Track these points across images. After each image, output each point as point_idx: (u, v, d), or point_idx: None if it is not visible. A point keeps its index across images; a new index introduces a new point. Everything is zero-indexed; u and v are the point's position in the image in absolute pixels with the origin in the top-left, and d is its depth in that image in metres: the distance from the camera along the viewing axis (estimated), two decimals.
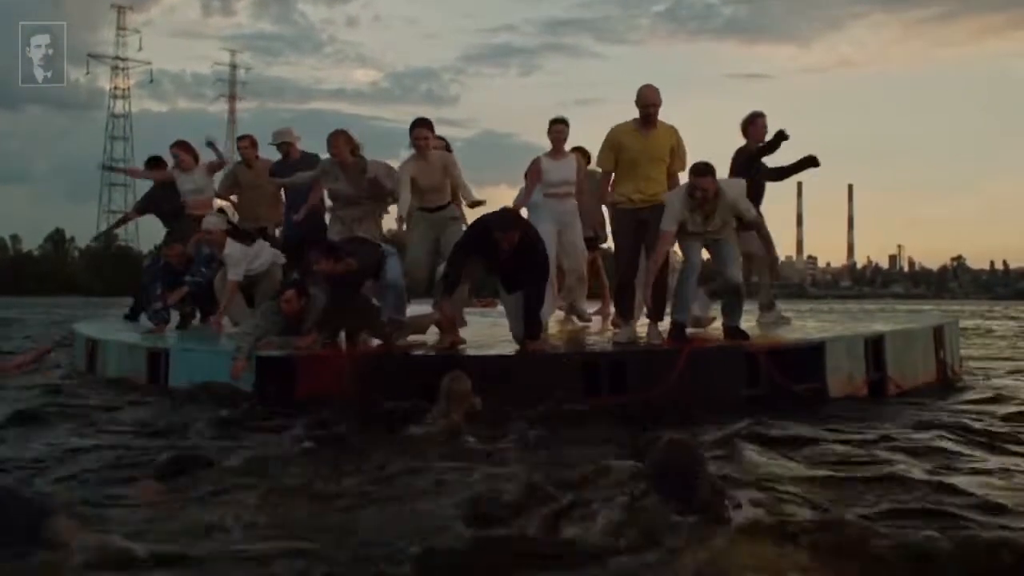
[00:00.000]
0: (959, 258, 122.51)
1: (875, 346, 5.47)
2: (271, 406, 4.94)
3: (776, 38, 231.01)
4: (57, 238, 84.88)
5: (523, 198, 6.33)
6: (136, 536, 2.47)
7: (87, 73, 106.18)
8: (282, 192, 7.52)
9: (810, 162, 6.38)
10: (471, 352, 5.32)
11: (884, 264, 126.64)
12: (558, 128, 6.39)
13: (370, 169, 6.26)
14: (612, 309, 6.47)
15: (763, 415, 4.40)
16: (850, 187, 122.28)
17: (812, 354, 5.22)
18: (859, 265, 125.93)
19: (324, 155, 6.50)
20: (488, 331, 6.55)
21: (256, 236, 7.02)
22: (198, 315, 7.67)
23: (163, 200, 7.86)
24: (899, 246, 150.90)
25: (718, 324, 5.79)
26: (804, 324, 6.89)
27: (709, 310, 6.21)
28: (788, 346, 5.31)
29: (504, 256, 5.04)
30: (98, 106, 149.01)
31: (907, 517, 2.66)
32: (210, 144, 7.60)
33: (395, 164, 6.30)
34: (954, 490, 3.01)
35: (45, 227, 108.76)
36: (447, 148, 6.44)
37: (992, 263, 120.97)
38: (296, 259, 6.74)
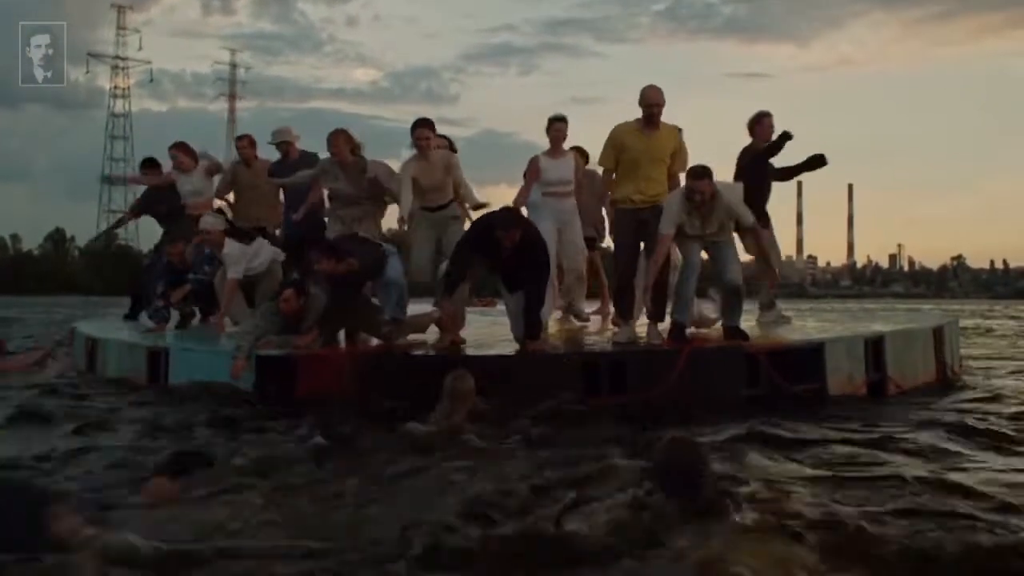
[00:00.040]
0: (959, 257, 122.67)
1: (875, 346, 5.47)
2: (271, 405, 4.95)
3: (776, 37, 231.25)
4: (57, 237, 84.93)
5: (521, 197, 6.33)
6: (139, 534, 2.47)
7: (87, 72, 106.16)
8: (281, 193, 7.51)
9: (818, 161, 6.41)
10: (471, 352, 5.32)
11: (884, 263, 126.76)
12: (558, 127, 6.38)
13: (370, 169, 6.26)
14: (612, 308, 6.48)
15: (763, 415, 4.40)
16: (850, 186, 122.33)
17: (812, 355, 5.22)
18: (859, 264, 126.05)
19: (324, 154, 6.50)
20: (488, 330, 6.55)
21: (255, 234, 7.01)
22: (198, 315, 7.67)
23: (160, 201, 7.85)
24: (899, 245, 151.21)
25: (718, 325, 5.79)
26: (804, 324, 6.89)
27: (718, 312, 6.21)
28: (788, 347, 5.31)
29: (506, 255, 5.05)
30: (98, 105, 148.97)
31: (908, 516, 2.66)
32: (204, 155, 7.64)
33: (395, 164, 6.31)
34: (954, 490, 3.01)
35: (45, 226, 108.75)
36: (451, 147, 6.45)
37: (992, 262, 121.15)
38: (296, 258, 6.74)
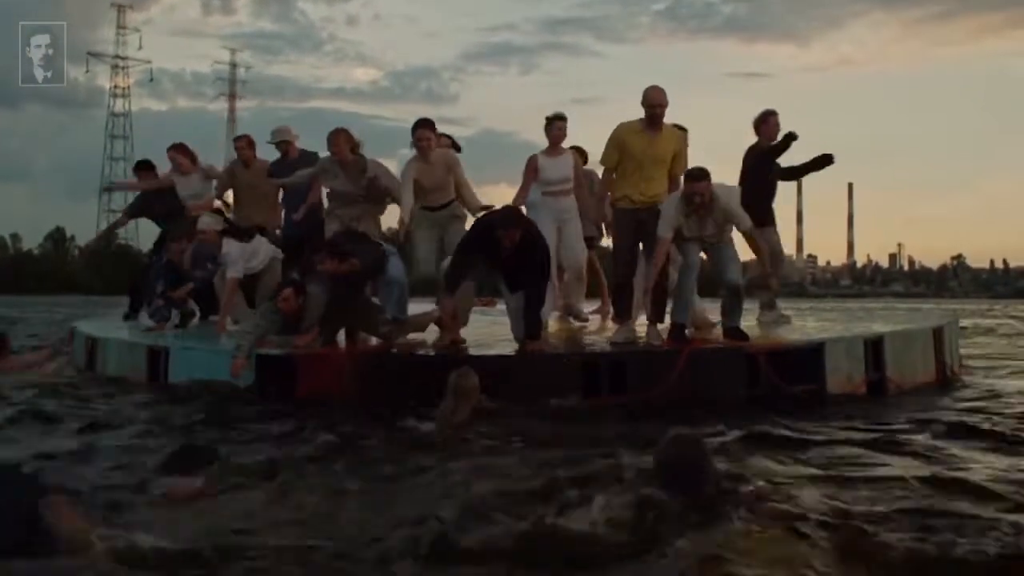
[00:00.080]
0: (959, 257, 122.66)
1: (874, 347, 5.47)
2: (272, 404, 4.95)
3: (776, 37, 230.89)
4: (57, 236, 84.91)
5: (520, 196, 6.33)
6: (139, 533, 2.47)
7: (87, 72, 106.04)
8: (280, 193, 7.49)
9: (826, 160, 6.44)
10: (471, 351, 5.32)
11: (884, 263, 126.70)
12: (559, 125, 6.35)
13: (370, 168, 6.26)
14: (611, 308, 6.48)
15: (763, 416, 4.41)
16: (850, 185, 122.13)
17: (811, 355, 5.22)
18: (859, 264, 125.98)
19: (324, 154, 6.50)
20: (488, 330, 6.55)
21: (253, 232, 6.98)
22: (198, 314, 7.67)
23: (155, 202, 7.82)
24: (899, 245, 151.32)
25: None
26: (804, 324, 6.90)
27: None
28: (788, 347, 5.31)
29: (506, 254, 5.06)
30: (98, 104, 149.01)
31: (908, 515, 2.67)
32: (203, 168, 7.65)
33: (395, 163, 6.32)
34: (954, 489, 3.02)
35: (45, 225, 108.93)
36: (454, 145, 6.45)
37: (992, 262, 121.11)
38: (295, 258, 6.73)
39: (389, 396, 4.86)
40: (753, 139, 6.56)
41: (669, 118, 5.70)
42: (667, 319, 5.52)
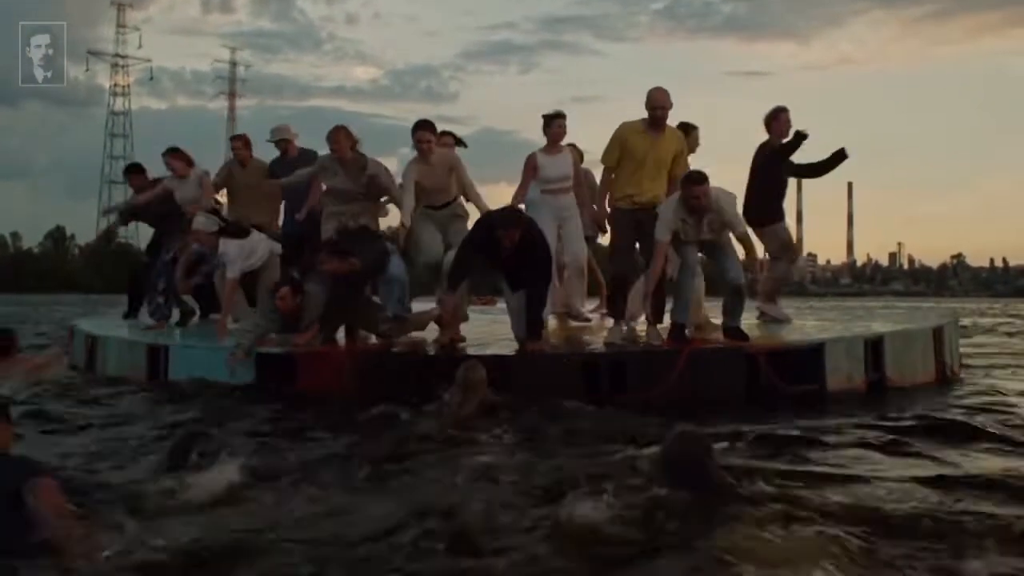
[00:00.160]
0: (959, 255, 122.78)
1: (874, 347, 5.47)
2: (272, 402, 4.95)
3: (775, 35, 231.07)
4: (57, 235, 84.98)
5: (519, 194, 6.32)
6: (140, 533, 2.47)
7: (87, 70, 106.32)
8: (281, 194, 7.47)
9: (842, 156, 6.48)
10: (471, 351, 5.32)
11: (884, 262, 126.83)
12: (559, 123, 6.32)
13: (370, 167, 6.24)
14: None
15: (763, 415, 4.41)
16: (850, 185, 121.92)
17: (811, 355, 5.22)
18: (859, 263, 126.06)
19: (323, 152, 6.48)
20: (488, 329, 6.55)
21: (249, 228, 6.95)
22: (198, 312, 7.66)
23: (149, 206, 7.80)
24: (899, 243, 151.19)
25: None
26: (804, 324, 6.90)
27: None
28: (788, 347, 5.31)
29: (506, 254, 5.06)
30: (98, 103, 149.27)
31: (909, 515, 2.67)
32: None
33: (395, 162, 6.31)
34: (954, 489, 3.02)
35: (45, 224, 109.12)
36: (458, 142, 6.44)
37: (992, 260, 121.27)
38: (294, 257, 6.72)
39: (388, 394, 4.85)
40: (763, 136, 6.56)
41: (671, 119, 5.70)
42: (667, 319, 5.52)
